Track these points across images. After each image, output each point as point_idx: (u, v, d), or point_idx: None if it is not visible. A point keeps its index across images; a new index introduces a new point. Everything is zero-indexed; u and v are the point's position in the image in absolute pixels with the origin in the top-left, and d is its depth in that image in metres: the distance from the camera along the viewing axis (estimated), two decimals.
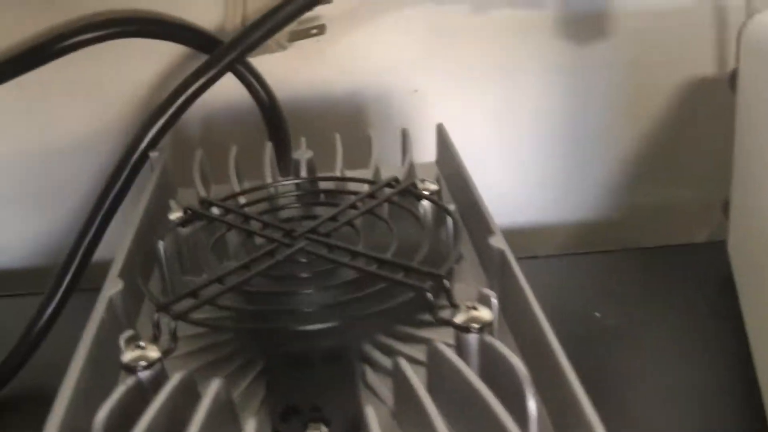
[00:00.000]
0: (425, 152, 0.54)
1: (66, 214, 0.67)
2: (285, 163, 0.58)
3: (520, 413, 0.26)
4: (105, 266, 0.38)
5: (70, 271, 0.52)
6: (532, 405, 0.26)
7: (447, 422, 0.27)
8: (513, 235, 0.39)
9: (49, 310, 0.51)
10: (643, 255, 0.62)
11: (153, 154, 0.52)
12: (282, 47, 0.59)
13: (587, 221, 0.71)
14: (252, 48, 0.54)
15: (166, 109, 0.54)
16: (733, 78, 0.54)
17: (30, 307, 0.52)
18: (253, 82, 0.61)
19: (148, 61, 0.63)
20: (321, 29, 0.60)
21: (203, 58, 0.57)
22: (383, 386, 0.33)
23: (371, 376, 0.33)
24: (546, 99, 0.66)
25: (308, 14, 0.57)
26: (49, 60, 0.58)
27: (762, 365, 0.47)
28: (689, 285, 0.58)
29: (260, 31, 0.54)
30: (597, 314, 0.53)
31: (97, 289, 0.36)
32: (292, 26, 0.57)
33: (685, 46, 0.64)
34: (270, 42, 0.56)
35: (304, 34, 0.59)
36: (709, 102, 0.66)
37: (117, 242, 0.41)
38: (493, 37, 0.64)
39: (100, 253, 0.54)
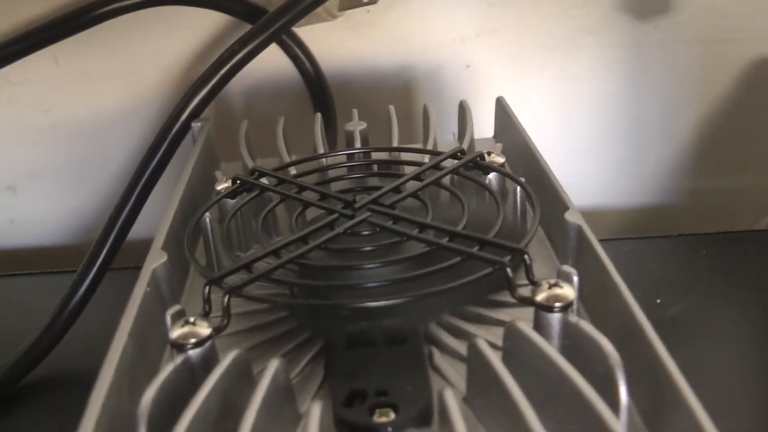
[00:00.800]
0: (476, 130, 0.52)
1: (103, 189, 0.66)
2: (331, 138, 0.55)
3: (607, 398, 0.24)
4: (141, 245, 0.37)
5: (106, 247, 0.50)
6: (623, 390, 0.25)
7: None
8: None
9: (83, 289, 0.49)
10: (703, 241, 0.60)
11: (196, 124, 0.50)
12: (332, 16, 0.56)
13: (646, 206, 0.69)
14: (302, 15, 0.51)
15: (208, 79, 0.51)
16: None
17: (64, 285, 0.50)
18: (298, 53, 0.59)
19: (189, 33, 0.61)
20: None
21: (246, 28, 0.54)
22: (452, 369, 0.31)
23: (438, 358, 0.31)
24: (605, 77, 0.64)
25: None
26: (88, 26, 0.56)
27: None
28: (751, 272, 0.55)
29: None
30: (658, 301, 0.52)
31: (133, 268, 0.34)
32: None
33: (755, 23, 0.62)
34: (320, 10, 0.53)
35: (355, 3, 0.57)
36: None
37: (154, 220, 0.39)
38: (550, 10, 0.61)
39: (136, 232, 0.51)
